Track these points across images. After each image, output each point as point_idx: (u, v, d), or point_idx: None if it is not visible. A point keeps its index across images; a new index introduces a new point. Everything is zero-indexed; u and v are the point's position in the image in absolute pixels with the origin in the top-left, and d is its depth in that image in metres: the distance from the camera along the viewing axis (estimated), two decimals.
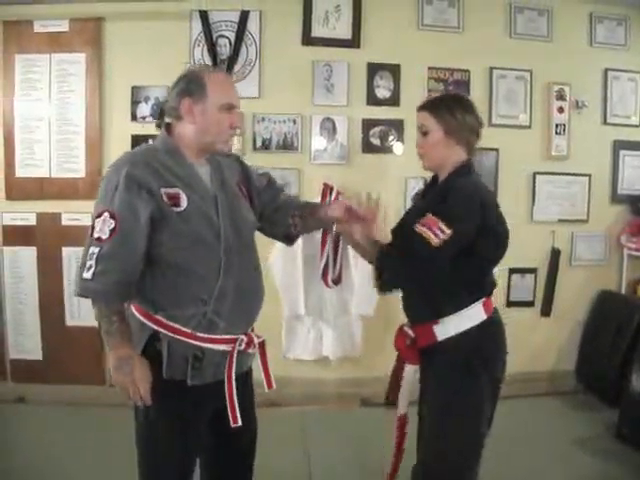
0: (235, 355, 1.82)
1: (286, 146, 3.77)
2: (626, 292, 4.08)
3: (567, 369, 4.11)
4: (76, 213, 3.67)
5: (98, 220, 1.68)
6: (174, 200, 1.72)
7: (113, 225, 1.66)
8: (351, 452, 3.06)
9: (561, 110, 3.99)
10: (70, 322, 3.78)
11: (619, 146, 4.09)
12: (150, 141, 3.55)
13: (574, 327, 4.13)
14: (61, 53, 3.68)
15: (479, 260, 1.89)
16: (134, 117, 3.73)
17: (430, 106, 1.98)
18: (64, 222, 3.71)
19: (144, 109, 3.71)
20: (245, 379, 1.98)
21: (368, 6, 3.80)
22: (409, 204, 3.27)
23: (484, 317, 1.91)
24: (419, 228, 1.77)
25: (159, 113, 1.93)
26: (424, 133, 1.97)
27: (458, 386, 1.87)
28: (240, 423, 1.82)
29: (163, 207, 1.70)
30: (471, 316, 1.89)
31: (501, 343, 1.98)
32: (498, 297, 3.91)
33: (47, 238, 3.72)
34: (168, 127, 1.87)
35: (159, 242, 1.73)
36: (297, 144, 3.78)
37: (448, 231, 1.72)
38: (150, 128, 3.61)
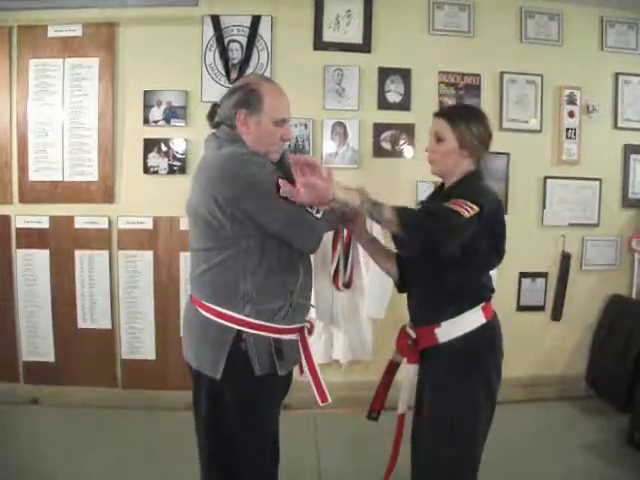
0: (307, 338, 1.97)
1: (297, 150, 3.77)
2: (637, 296, 4.07)
3: (578, 374, 4.10)
4: (89, 216, 3.72)
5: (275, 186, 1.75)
6: None
7: (284, 184, 1.73)
8: (362, 455, 3.07)
9: (572, 114, 3.99)
10: (82, 324, 3.80)
11: (630, 150, 4.09)
12: (162, 145, 3.68)
13: (585, 332, 4.13)
14: (74, 58, 3.71)
15: (479, 263, 1.94)
16: (146, 121, 3.75)
17: (448, 115, 1.99)
18: (77, 225, 3.74)
19: (156, 113, 3.73)
20: None
21: (379, 11, 3.81)
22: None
23: (483, 321, 1.95)
24: (447, 205, 1.75)
25: (210, 114, 2.00)
26: (439, 139, 1.97)
27: (455, 391, 1.92)
28: (330, 400, 1.97)
29: None
30: (471, 320, 1.94)
31: (497, 347, 2.01)
32: (508, 302, 3.95)
33: (60, 241, 3.75)
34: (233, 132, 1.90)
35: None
36: (308, 148, 3.80)
37: (476, 207, 1.72)
38: (162, 132, 3.73)
